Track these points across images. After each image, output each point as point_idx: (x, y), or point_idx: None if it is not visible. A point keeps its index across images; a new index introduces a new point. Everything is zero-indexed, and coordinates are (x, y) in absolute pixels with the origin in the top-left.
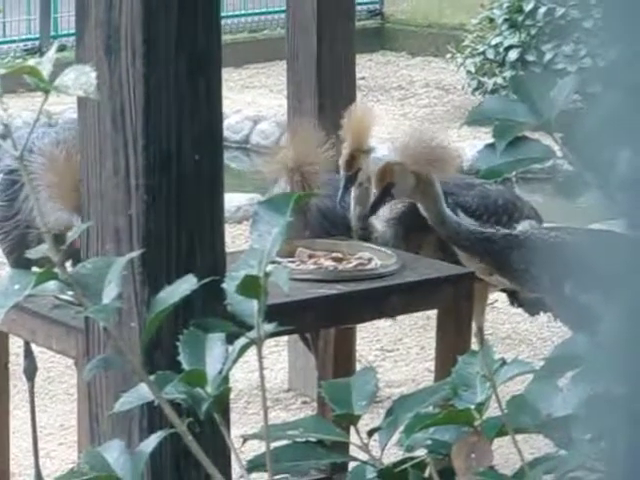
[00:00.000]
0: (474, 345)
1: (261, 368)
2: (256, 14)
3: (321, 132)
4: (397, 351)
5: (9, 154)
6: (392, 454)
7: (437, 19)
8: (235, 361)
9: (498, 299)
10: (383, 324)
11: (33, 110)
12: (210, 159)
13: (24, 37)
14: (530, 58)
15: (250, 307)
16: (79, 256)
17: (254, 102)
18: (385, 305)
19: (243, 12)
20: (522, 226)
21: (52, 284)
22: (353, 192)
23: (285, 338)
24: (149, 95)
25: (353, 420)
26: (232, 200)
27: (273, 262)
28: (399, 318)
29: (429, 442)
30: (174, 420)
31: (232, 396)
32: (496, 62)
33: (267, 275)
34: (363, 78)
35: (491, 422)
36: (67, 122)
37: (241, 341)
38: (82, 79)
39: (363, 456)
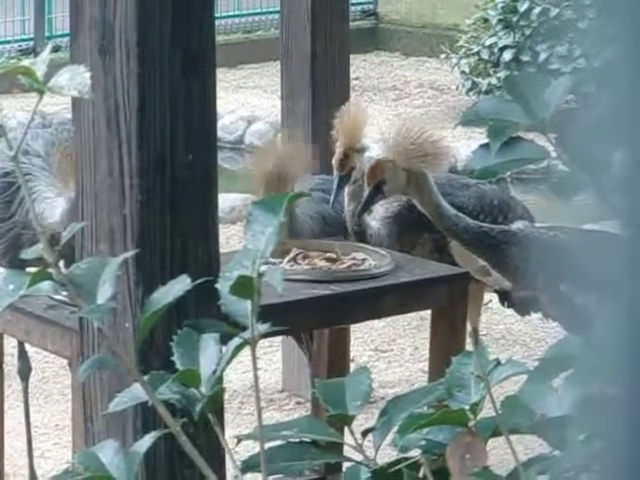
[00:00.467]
0: (468, 346)
1: (255, 368)
2: (250, 15)
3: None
4: (391, 351)
5: (4, 155)
6: (386, 454)
7: (431, 19)
8: (229, 361)
9: (492, 300)
10: (377, 324)
11: (27, 111)
12: (204, 159)
13: (18, 38)
14: (524, 58)
15: (244, 307)
16: (73, 256)
17: (248, 102)
18: (379, 305)
19: (237, 13)
20: (516, 226)
21: (46, 284)
22: (347, 189)
23: (279, 338)
24: (143, 95)
25: (347, 420)
26: (226, 200)
27: (267, 262)
28: (393, 319)
29: (423, 442)
30: (168, 420)
31: (226, 396)
32: (490, 62)
33: (261, 275)
34: (357, 78)
35: (485, 422)
36: (62, 123)
37: (235, 341)
38: (76, 79)
39: (357, 456)
